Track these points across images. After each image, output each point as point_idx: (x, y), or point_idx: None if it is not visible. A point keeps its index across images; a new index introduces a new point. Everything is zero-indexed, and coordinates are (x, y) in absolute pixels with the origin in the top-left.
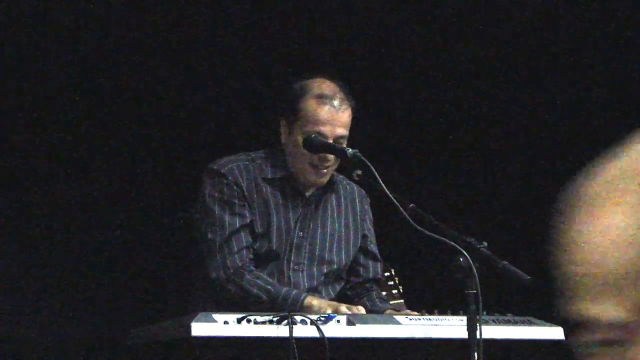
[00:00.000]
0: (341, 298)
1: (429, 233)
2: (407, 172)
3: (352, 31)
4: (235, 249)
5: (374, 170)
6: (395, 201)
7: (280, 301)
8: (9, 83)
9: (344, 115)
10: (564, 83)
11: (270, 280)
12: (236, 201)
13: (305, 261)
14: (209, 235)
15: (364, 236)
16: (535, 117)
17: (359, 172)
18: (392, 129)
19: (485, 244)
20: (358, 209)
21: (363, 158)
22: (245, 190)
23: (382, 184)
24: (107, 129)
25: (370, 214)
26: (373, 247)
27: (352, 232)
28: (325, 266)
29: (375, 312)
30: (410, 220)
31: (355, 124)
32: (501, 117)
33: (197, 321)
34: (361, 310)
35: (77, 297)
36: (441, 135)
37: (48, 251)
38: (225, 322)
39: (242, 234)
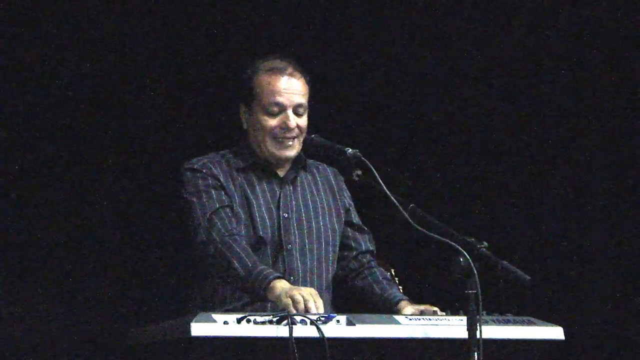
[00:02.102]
0: (346, 275)
1: (429, 233)
2: (407, 172)
3: (352, 30)
4: (217, 221)
5: (374, 170)
6: (395, 201)
7: (252, 278)
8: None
9: (299, 84)
10: (564, 82)
11: (251, 252)
12: (212, 190)
13: (297, 240)
14: (192, 220)
15: (347, 210)
16: (535, 116)
17: (359, 172)
18: (392, 129)
19: (485, 244)
20: (334, 185)
21: (363, 158)
22: (222, 180)
23: (382, 184)
24: (109, 129)
25: (347, 190)
26: (358, 220)
27: (333, 207)
28: (316, 243)
29: (389, 302)
30: (410, 220)
31: (356, 124)
32: (501, 117)
33: (197, 321)
34: (319, 309)
35: (77, 297)
36: (441, 135)
37: (48, 251)
38: (225, 322)
39: (222, 212)
